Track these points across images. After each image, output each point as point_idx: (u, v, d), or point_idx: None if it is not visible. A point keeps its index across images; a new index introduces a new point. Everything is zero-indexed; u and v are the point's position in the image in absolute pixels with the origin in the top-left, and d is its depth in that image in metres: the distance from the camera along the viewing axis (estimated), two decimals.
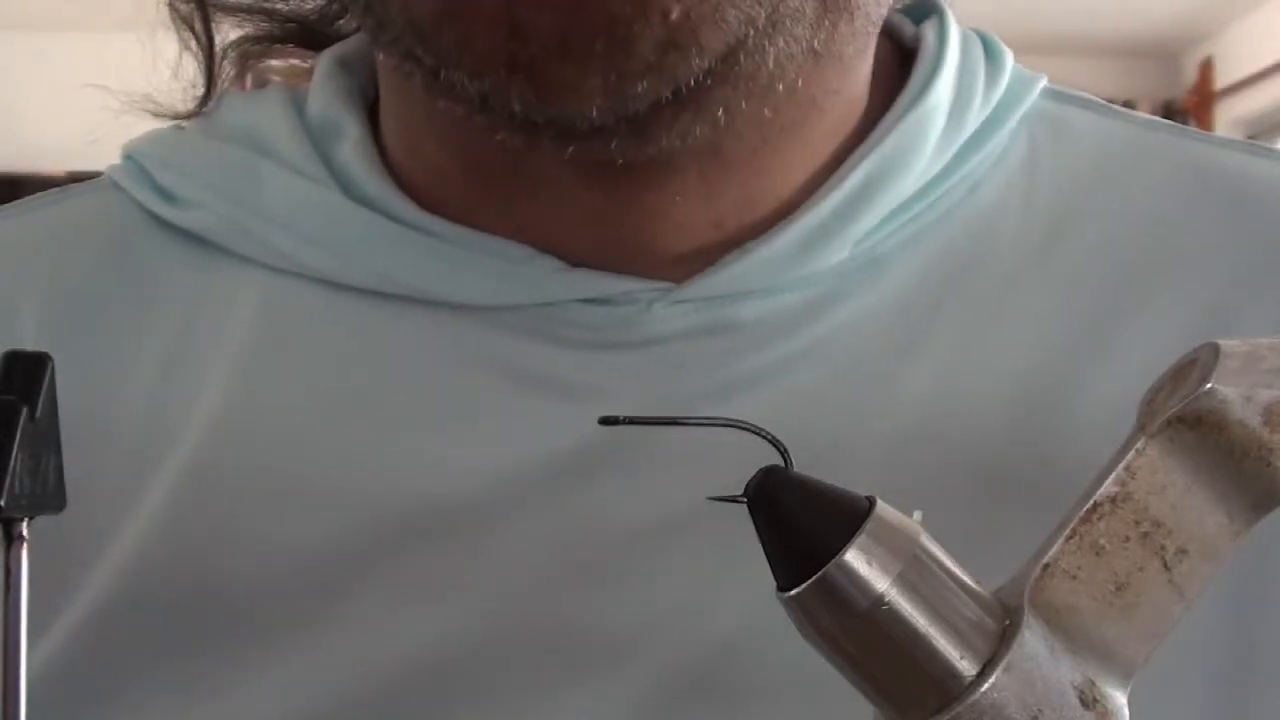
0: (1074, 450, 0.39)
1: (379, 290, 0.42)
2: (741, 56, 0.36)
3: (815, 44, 0.38)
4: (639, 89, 0.35)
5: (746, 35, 0.35)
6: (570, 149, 0.38)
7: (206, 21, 0.49)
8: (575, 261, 0.41)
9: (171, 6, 0.49)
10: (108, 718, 0.39)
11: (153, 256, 0.44)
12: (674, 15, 0.34)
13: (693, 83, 0.36)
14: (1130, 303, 0.43)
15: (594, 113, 0.35)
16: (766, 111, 0.39)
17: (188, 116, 0.48)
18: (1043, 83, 0.46)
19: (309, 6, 0.50)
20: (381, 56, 0.43)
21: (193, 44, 0.49)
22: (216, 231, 0.43)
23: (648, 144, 0.38)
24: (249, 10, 0.49)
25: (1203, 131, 0.50)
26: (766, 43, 0.36)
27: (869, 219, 0.42)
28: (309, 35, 0.49)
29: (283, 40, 0.49)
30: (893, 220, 0.42)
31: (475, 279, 0.41)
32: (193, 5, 0.49)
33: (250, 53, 0.49)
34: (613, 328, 0.41)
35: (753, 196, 0.42)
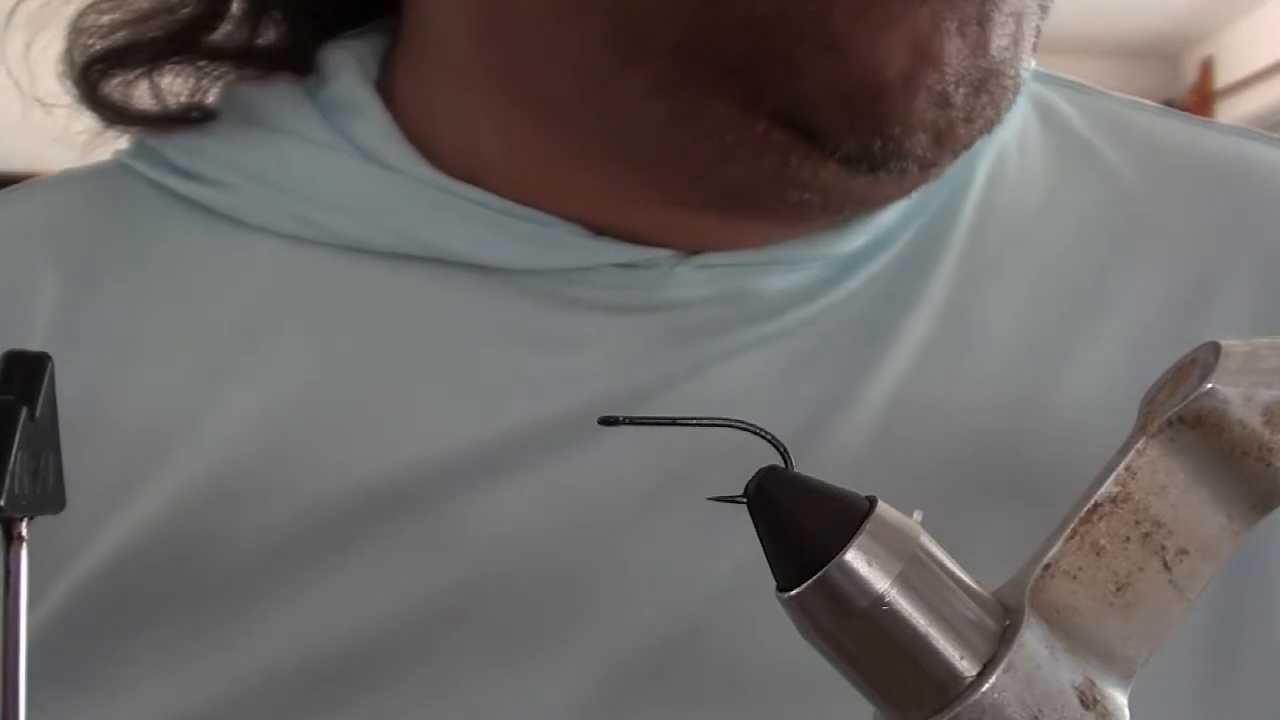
0: (1060, 419, 0.41)
1: (400, 252, 0.42)
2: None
3: None
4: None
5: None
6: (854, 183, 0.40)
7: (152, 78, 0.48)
8: (600, 229, 0.42)
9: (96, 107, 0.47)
10: (91, 694, 0.39)
11: (165, 235, 0.45)
12: (1018, 86, 0.39)
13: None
14: (1116, 274, 0.44)
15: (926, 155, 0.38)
16: None
17: (178, 117, 0.47)
18: (1032, 66, 0.47)
19: (229, 42, 0.49)
20: (503, 50, 0.43)
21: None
22: (237, 205, 0.44)
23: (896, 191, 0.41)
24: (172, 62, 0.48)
25: (1187, 114, 0.52)
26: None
27: (888, 213, 0.43)
28: (244, 58, 0.48)
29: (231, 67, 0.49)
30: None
31: (499, 241, 0.42)
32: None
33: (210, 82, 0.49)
34: (634, 290, 0.42)
35: None
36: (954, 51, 0.37)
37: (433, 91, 0.45)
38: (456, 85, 0.44)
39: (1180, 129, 0.49)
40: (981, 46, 0.38)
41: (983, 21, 0.38)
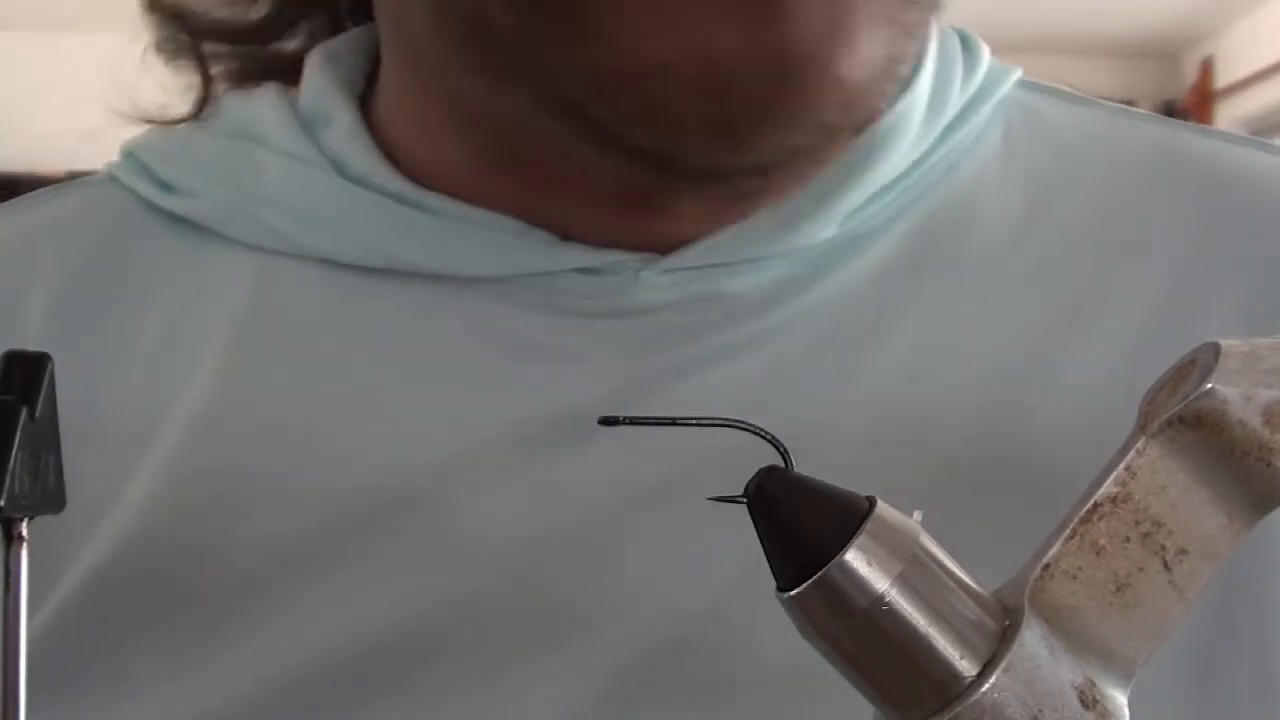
0: (1047, 425, 0.41)
1: (372, 266, 0.43)
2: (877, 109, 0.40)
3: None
4: (808, 144, 0.38)
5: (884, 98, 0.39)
6: (703, 188, 0.40)
7: (203, 64, 0.49)
8: (566, 235, 0.42)
9: (162, 47, 0.49)
10: (91, 697, 0.39)
11: (149, 247, 0.45)
12: (853, 77, 0.36)
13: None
14: (1102, 281, 0.44)
15: (763, 161, 0.38)
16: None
17: (179, 121, 0.48)
18: (1017, 74, 0.48)
19: (290, 49, 0.50)
20: (410, 57, 0.44)
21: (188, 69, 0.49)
22: (213, 216, 0.44)
23: (764, 179, 0.40)
24: (232, 54, 0.49)
25: (1171, 119, 0.52)
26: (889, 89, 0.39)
27: (854, 196, 0.43)
28: (293, 67, 0.49)
29: (266, 77, 0.49)
30: (878, 199, 0.44)
31: (467, 251, 0.42)
32: (184, 44, 0.49)
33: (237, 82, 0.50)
34: (602, 296, 0.42)
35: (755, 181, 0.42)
36: (728, 41, 0.35)
37: (401, 95, 0.45)
38: (403, 83, 0.44)
39: (1170, 135, 0.49)
40: (774, 36, 0.35)
41: (774, 7, 0.35)
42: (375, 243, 0.43)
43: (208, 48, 0.50)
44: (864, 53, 0.36)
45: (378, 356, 0.42)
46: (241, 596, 0.39)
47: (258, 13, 0.49)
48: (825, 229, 0.43)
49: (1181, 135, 0.49)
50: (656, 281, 0.42)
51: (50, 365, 0.26)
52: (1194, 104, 4.87)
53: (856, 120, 0.39)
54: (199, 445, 0.41)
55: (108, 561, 0.40)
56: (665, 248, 0.42)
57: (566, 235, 0.42)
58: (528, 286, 0.42)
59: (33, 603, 0.39)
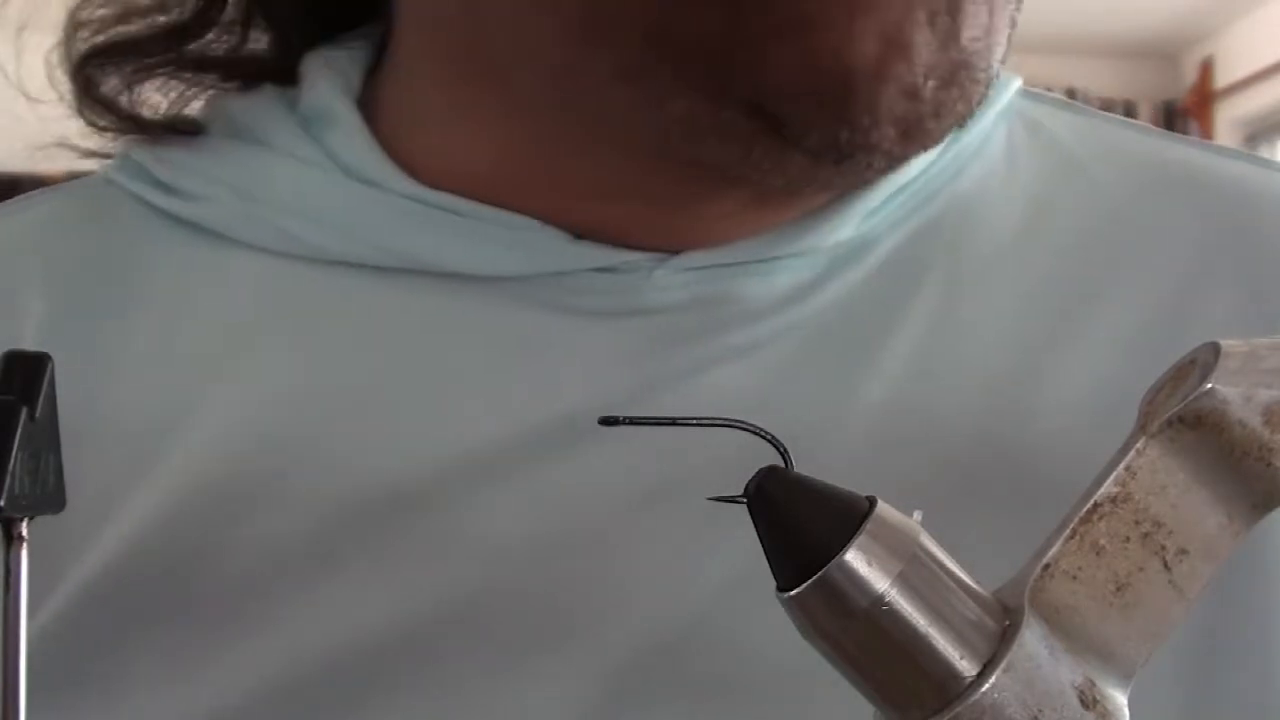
0: (1048, 429, 0.41)
1: (381, 265, 0.43)
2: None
3: None
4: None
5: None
6: (824, 191, 0.42)
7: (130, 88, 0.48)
8: (579, 233, 0.42)
9: (83, 98, 0.47)
10: (94, 698, 0.39)
11: (151, 249, 0.45)
12: (989, 77, 0.39)
13: None
14: (1100, 291, 0.44)
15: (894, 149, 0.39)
16: None
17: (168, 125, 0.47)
18: (1018, 83, 0.48)
19: (219, 49, 0.49)
20: (464, 46, 0.43)
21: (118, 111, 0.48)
22: (218, 219, 0.44)
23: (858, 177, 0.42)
24: (161, 69, 0.48)
25: (1171, 132, 0.53)
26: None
27: (866, 202, 0.43)
28: (232, 66, 0.49)
29: (208, 83, 0.49)
30: (890, 203, 0.44)
31: (478, 250, 0.42)
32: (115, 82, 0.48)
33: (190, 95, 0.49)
34: (615, 295, 0.42)
35: None
36: (924, 42, 0.37)
37: (415, 96, 0.45)
38: (437, 85, 0.44)
39: (1167, 147, 0.50)
40: (952, 37, 0.38)
41: (953, 12, 0.37)
42: (387, 242, 0.42)
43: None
44: (1000, 54, 0.40)
45: (387, 357, 0.42)
46: (244, 597, 0.39)
47: (177, 15, 0.48)
48: (842, 230, 0.43)
49: (1179, 148, 0.50)
50: (669, 281, 0.42)
51: (50, 365, 0.26)
52: (1194, 104, 4.87)
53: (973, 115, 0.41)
54: (204, 447, 0.41)
55: (112, 562, 0.39)
56: (679, 247, 0.42)
57: (580, 233, 0.42)
58: (541, 285, 0.42)
59: (33, 603, 0.39)
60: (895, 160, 0.39)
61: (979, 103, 0.40)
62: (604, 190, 0.42)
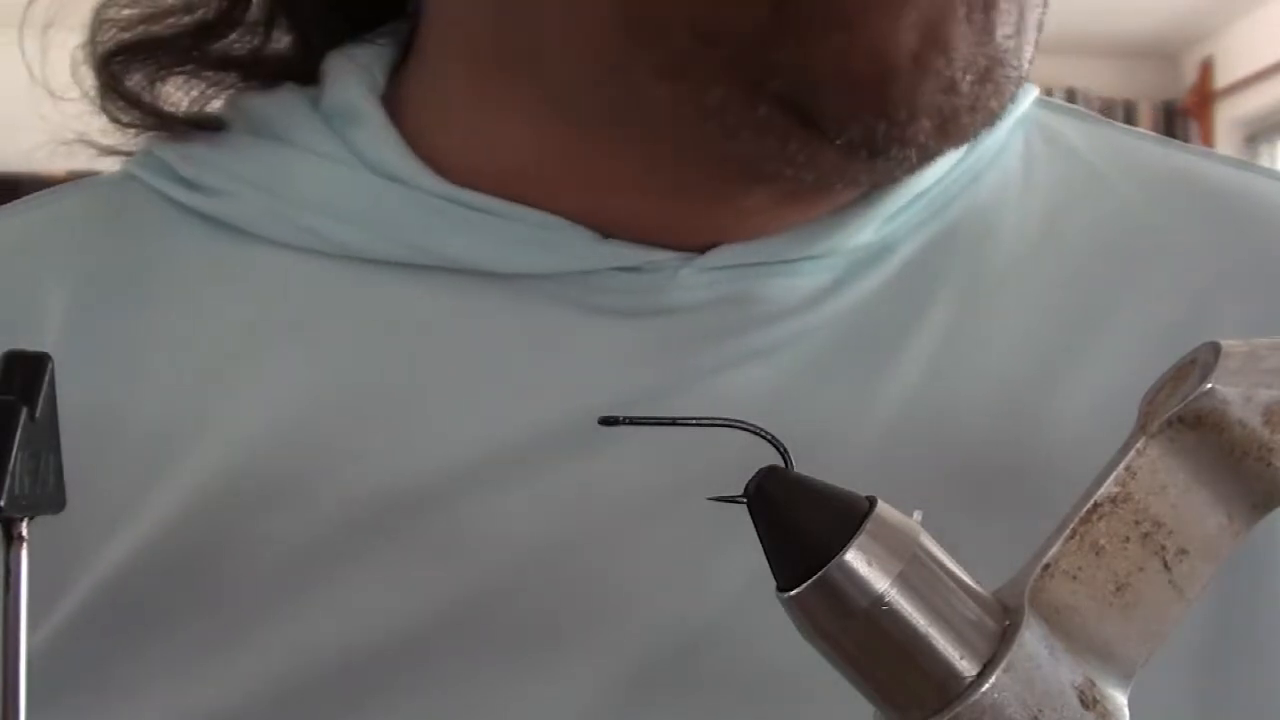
0: (1056, 439, 0.41)
1: (407, 262, 0.43)
2: None
3: None
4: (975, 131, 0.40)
5: None
6: (859, 186, 0.42)
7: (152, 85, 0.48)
8: (607, 231, 0.42)
9: (107, 92, 0.47)
10: (102, 699, 0.39)
11: (174, 246, 0.45)
12: (1020, 74, 0.40)
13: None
14: (1115, 300, 0.44)
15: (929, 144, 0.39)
16: None
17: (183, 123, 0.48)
18: (1035, 92, 0.48)
19: (241, 48, 0.49)
20: (498, 42, 0.43)
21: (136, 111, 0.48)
22: (243, 215, 0.44)
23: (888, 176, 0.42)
24: (183, 68, 0.48)
25: (1188, 144, 0.53)
26: None
27: (892, 203, 0.43)
28: (253, 66, 0.49)
29: (226, 83, 0.49)
30: (909, 207, 0.44)
31: (506, 247, 0.42)
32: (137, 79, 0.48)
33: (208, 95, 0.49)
34: (640, 294, 0.42)
35: None
36: (961, 37, 0.38)
37: (444, 93, 0.45)
38: (469, 80, 0.44)
39: (1181, 158, 0.50)
40: (987, 33, 0.38)
41: (988, 9, 0.38)
42: (411, 239, 0.42)
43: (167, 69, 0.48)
44: (1029, 54, 0.40)
45: (410, 354, 0.42)
46: (259, 595, 0.39)
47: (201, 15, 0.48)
48: (863, 232, 0.43)
49: (1195, 160, 0.50)
50: (694, 280, 0.42)
51: (50, 365, 0.26)
52: (1194, 104, 4.87)
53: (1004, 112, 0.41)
54: (224, 446, 0.40)
55: (128, 560, 0.39)
56: (705, 244, 0.42)
57: (607, 231, 0.42)
58: (566, 284, 0.42)
59: (48, 603, 0.39)
60: (929, 155, 0.39)
61: (1010, 100, 0.40)
62: (634, 185, 0.42)
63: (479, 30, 0.44)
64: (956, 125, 0.39)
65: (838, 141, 0.38)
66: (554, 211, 0.42)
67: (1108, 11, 4.44)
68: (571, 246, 0.42)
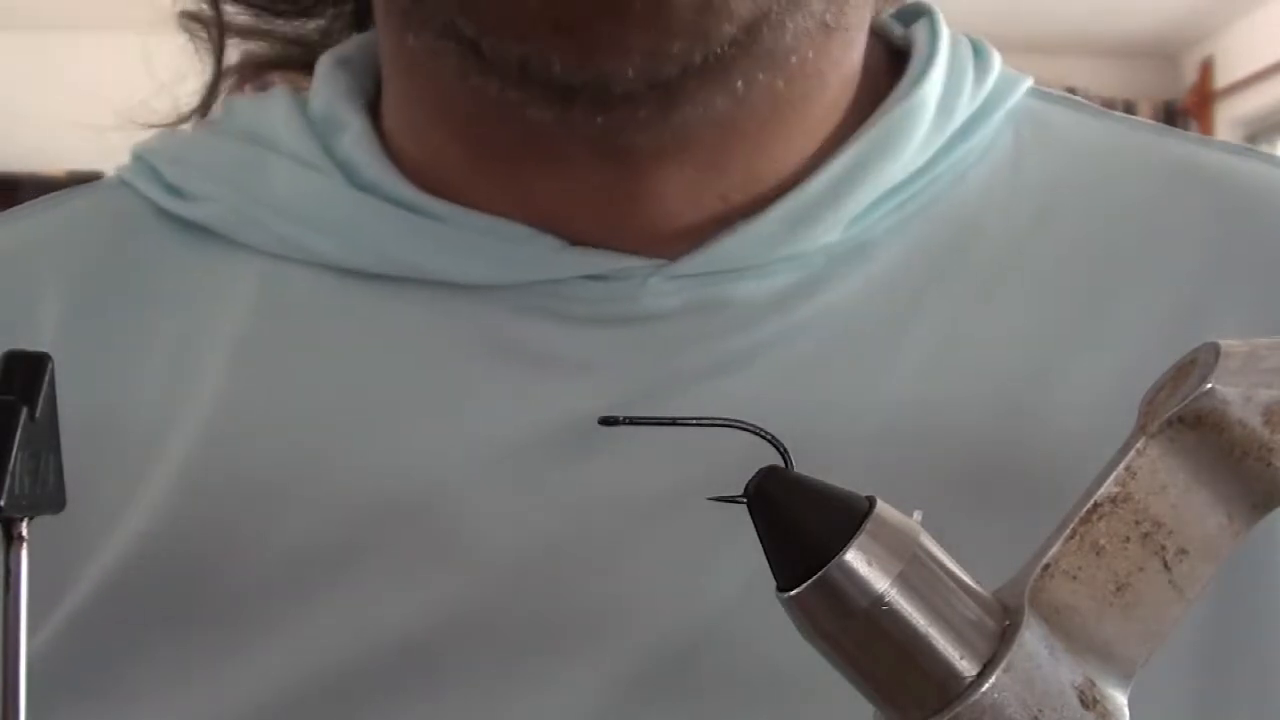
0: (1054, 436, 0.41)
1: (381, 273, 0.43)
2: (764, 29, 0.38)
3: (827, 18, 0.40)
4: (674, 49, 0.37)
5: (770, 9, 0.38)
6: (600, 119, 0.39)
7: (221, 37, 0.50)
8: (575, 240, 0.42)
9: (185, 21, 0.50)
10: (104, 703, 0.39)
11: (159, 251, 0.45)
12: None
13: (719, 50, 0.38)
14: (1112, 292, 0.44)
15: (630, 73, 0.37)
16: (780, 84, 0.41)
17: (185, 120, 0.48)
18: (1028, 83, 0.48)
19: (310, 27, 0.50)
20: (392, 44, 0.44)
21: (201, 57, 0.50)
22: (222, 222, 0.44)
23: (672, 112, 0.39)
24: (253, 32, 0.50)
25: (1184, 131, 0.52)
26: (787, 17, 0.39)
27: (856, 201, 0.43)
28: (309, 57, 0.50)
29: (283, 66, 0.50)
30: (881, 205, 0.44)
31: (476, 258, 0.42)
32: (207, 23, 0.50)
33: (249, 75, 0.50)
34: (609, 303, 0.42)
35: (755, 175, 0.43)
36: None
37: (398, 101, 0.45)
38: (403, 90, 0.45)
39: (1177, 146, 0.49)
40: None
41: None
42: (385, 250, 0.43)
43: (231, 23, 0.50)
44: None
45: (386, 364, 0.42)
46: (254, 602, 0.39)
47: None
48: (829, 232, 0.43)
49: (1191, 147, 0.49)
50: (664, 288, 0.42)
51: (50, 365, 0.26)
52: (1194, 104, 4.87)
53: (720, 25, 0.37)
54: (210, 451, 0.41)
55: (121, 566, 0.40)
56: (671, 247, 0.42)
57: (576, 240, 0.42)
58: (536, 293, 0.42)
59: (46, 607, 0.39)
60: (698, 38, 0.37)
61: (690, 27, 0.37)
62: (536, 187, 0.42)
63: (384, 37, 0.44)
64: (592, 35, 0.37)
65: (579, 78, 0.38)
66: (521, 218, 0.42)
67: (1108, 11, 4.44)
68: (536, 256, 0.42)
